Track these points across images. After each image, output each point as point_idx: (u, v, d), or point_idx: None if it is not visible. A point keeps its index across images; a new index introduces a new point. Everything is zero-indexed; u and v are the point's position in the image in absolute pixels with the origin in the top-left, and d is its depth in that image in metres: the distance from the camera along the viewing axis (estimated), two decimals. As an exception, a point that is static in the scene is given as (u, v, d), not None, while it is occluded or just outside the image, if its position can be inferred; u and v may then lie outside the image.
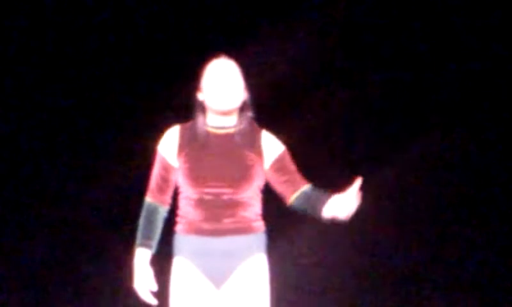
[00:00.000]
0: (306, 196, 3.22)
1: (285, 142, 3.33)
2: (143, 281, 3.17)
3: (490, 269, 5.52)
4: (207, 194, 3.12)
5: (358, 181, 3.03)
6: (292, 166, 3.26)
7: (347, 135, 5.57)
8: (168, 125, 3.28)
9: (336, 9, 5.50)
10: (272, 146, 3.23)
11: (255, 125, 3.25)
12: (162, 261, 3.30)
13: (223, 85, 3.14)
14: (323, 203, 3.16)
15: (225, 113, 3.17)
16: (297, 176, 3.25)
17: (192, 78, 3.27)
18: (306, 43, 5.51)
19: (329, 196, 3.17)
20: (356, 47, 5.57)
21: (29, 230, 5.55)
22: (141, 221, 3.25)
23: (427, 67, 5.56)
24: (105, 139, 5.55)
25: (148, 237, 3.21)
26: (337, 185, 5.50)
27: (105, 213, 5.52)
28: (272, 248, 3.31)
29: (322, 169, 5.42)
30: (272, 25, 5.41)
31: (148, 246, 3.20)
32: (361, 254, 5.54)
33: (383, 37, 5.55)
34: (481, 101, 5.54)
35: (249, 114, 3.22)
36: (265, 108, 3.37)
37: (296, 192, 3.23)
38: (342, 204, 3.08)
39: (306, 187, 3.23)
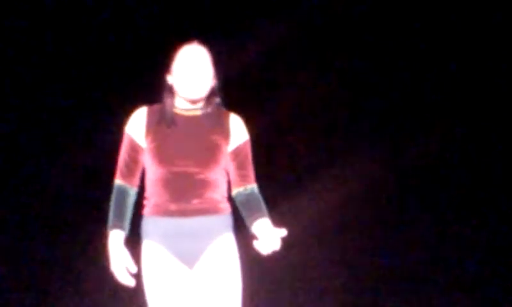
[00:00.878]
0: (244, 199, 3.22)
1: (286, 141, 3.33)
2: (120, 262, 3.15)
3: (490, 269, 5.52)
4: (174, 173, 3.10)
5: (283, 232, 3.05)
6: (248, 159, 3.24)
7: (347, 135, 5.57)
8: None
9: (337, 8, 5.50)
10: (239, 131, 3.22)
11: (222, 108, 3.24)
12: (132, 246, 3.27)
13: (192, 74, 3.14)
14: (253, 218, 3.17)
15: (193, 101, 3.18)
16: (248, 172, 3.23)
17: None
18: (306, 43, 5.52)
19: (260, 215, 3.17)
20: (356, 47, 5.58)
21: (29, 230, 5.55)
22: (112, 204, 3.23)
23: (427, 67, 5.56)
24: (105, 138, 5.55)
25: (119, 219, 3.19)
26: (337, 185, 5.54)
27: (105, 212, 5.52)
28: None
29: (322, 169, 5.44)
30: (272, 24, 5.42)
31: (120, 227, 3.17)
32: (361, 254, 5.54)
33: (383, 37, 5.55)
34: (481, 101, 5.55)
35: (217, 99, 3.22)
36: (266, 108, 3.38)
37: (239, 187, 3.22)
38: (264, 240, 3.07)
39: (249, 188, 3.22)
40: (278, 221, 4.23)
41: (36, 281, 5.50)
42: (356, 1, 5.57)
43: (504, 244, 5.53)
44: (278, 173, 5.46)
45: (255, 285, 3.33)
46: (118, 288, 5.57)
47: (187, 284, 3.14)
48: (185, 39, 3.27)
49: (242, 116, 3.28)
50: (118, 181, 3.26)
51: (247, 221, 3.19)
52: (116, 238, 3.17)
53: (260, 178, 3.28)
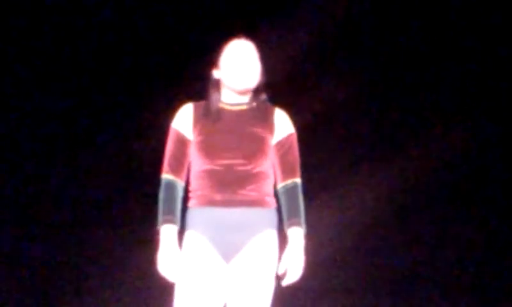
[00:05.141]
0: (284, 193, 3.26)
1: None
2: (170, 258, 3.11)
3: (490, 269, 5.52)
4: (220, 165, 3.12)
5: (300, 267, 3.22)
6: (292, 152, 3.28)
7: (347, 134, 5.57)
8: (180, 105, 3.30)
9: (337, 8, 5.50)
10: (283, 125, 3.25)
11: (268, 103, 3.28)
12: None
13: (242, 64, 3.19)
14: (289, 223, 3.24)
15: (242, 92, 3.21)
16: (291, 166, 3.27)
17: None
18: (305, 42, 5.51)
19: (295, 222, 3.25)
20: (356, 47, 5.58)
21: (29, 230, 5.55)
22: (162, 199, 3.19)
23: (427, 67, 5.56)
24: (105, 139, 5.55)
25: (171, 213, 3.15)
26: (337, 184, 5.54)
27: (105, 213, 5.53)
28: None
29: (322, 168, 5.44)
30: (271, 24, 5.42)
31: (173, 222, 3.14)
32: (361, 254, 5.54)
33: (383, 37, 5.55)
34: (481, 101, 5.55)
35: (264, 96, 3.26)
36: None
37: (281, 182, 3.26)
38: (285, 269, 3.18)
39: (290, 182, 3.26)
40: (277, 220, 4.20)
41: (36, 281, 5.50)
42: (356, 1, 5.57)
43: (504, 244, 5.53)
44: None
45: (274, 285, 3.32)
46: (118, 288, 5.58)
47: (221, 279, 3.13)
48: (185, 41, 3.30)
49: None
50: (166, 175, 3.22)
51: (284, 220, 3.23)
52: (169, 233, 3.14)
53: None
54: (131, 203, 5.54)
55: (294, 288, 5.35)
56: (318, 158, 5.52)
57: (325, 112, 5.55)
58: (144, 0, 5.56)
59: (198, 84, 3.34)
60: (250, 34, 3.30)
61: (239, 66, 3.18)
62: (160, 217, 3.17)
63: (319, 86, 5.53)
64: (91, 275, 5.52)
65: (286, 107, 3.34)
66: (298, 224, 3.23)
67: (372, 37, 5.57)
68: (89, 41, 5.54)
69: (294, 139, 3.29)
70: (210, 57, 3.27)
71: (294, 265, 3.20)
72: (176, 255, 3.12)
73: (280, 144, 3.23)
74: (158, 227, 3.17)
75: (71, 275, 5.53)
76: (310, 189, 5.52)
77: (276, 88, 3.33)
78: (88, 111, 5.57)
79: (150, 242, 3.28)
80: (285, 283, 3.20)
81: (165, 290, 3.26)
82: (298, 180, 3.29)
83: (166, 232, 3.14)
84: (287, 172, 3.25)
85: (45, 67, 5.55)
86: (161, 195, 3.20)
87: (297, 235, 3.22)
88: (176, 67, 5.38)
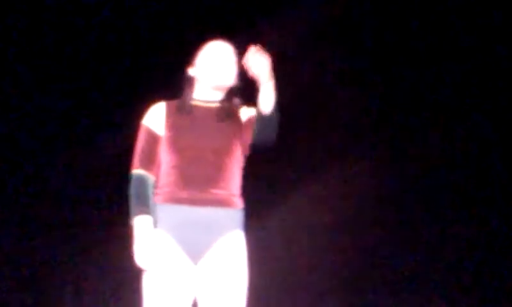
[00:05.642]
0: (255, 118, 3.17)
1: (286, 141, 3.33)
2: (147, 247, 3.08)
3: (490, 269, 5.52)
4: (189, 161, 3.11)
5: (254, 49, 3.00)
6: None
7: (347, 134, 5.57)
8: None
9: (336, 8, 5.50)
10: (248, 111, 3.24)
11: (240, 104, 3.27)
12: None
13: (220, 61, 3.21)
14: (258, 104, 3.10)
15: (218, 88, 3.22)
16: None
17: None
18: (305, 42, 5.52)
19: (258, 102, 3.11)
20: (356, 47, 5.58)
21: (29, 230, 5.55)
22: (134, 194, 3.16)
23: (427, 67, 5.56)
24: (105, 138, 5.55)
25: (144, 205, 3.13)
26: (337, 185, 5.54)
27: (105, 213, 5.53)
28: (270, 246, 3.31)
29: (321, 168, 5.44)
30: (271, 23, 5.42)
31: (146, 212, 3.12)
32: (361, 254, 5.54)
33: (383, 37, 5.56)
34: (481, 101, 5.55)
35: (237, 100, 3.26)
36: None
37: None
38: (252, 67, 3.01)
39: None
40: (278, 221, 4.22)
41: (36, 281, 5.50)
42: (356, 1, 5.58)
43: (504, 244, 5.53)
44: (278, 173, 5.46)
45: (255, 285, 3.31)
46: (118, 288, 5.58)
47: (189, 279, 3.12)
48: (185, 40, 3.31)
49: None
50: (137, 170, 3.20)
51: (260, 115, 3.10)
52: (144, 223, 3.10)
53: (260, 178, 3.29)
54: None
55: (294, 287, 5.36)
56: (318, 158, 5.53)
57: (325, 111, 5.56)
58: (145, 0, 5.56)
59: (172, 83, 3.35)
60: (232, 38, 3.31)
61: (216, 63, 3.21)
62: (134, 210, 3.13)
63: (316, 84, 5.53)
64: (91, 276, 5.53)
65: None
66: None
67: (367, 34, 5.58)
68: (89, 41, 5.54)
69: None
70: (187, 56, 3.29)
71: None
72: (153, 244, 3.10)
73: (245, 122, 3.20)
74: (131, 220, 3.13)
75: (71, 275, 5.53)
76: (310, 189, 5.55)
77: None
78: (88, 111, 5.58)
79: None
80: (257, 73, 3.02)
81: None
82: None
83: (142, 223, 3.10)
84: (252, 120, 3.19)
85: (45, 67, 5.55)
86: (133, 190, 3.16)
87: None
88: (176, 67, 5.37)
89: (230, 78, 3.23)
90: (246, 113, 3.25)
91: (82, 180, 5.58)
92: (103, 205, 5.54)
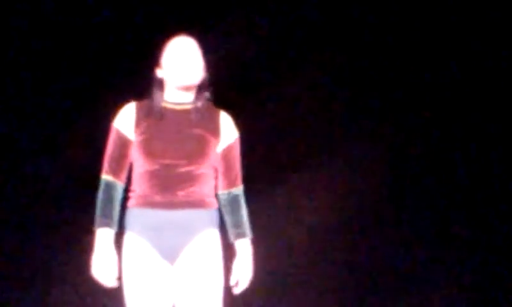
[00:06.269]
0: (227, 204, 3.26)
1: (286, 141, 3.33)
2: (105, 263, 3.11)
3: (490, 269, 5.51)
4: (161, 166, 3.09)
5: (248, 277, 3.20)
6: (236, 159, 3.26)
7: (347, 134, 5.56)
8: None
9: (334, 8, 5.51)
10: (229, 130, 3.24)
11: (212, 104, 3.26)
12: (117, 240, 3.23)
13: (184, 60, 3.17)
14: (235, 235, 3.25)
15: (186, 88, 3.18)
16: (235, 174, 3.25)
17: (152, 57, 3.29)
18: (305, 43, 5.52)
19: (241, 233, 3.24)
20: (356, 46, 5.58)
21: (29, 230, 5.54)
22: (100, 200, 3.19)
23: (427, 67, 5.56)
24: (105, 138, 5.54)
25: (109, 216, 3.15)
26: (337, 184, 5.53)
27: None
28: (270, 245, 3.31)
29: (321, 168, 5.44)
30: (271, 23, 5.42)
31: (109, 225, 3.14)
32: (362, 254, 5.54)
33: (383, 36, 5.55)
34: (481, 101, 5.54)
35: (207, 93, 3.24)
36: (266, 108, 3.38)
37: (224, 190, 3.26)
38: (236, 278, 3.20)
39: (233, 192, 3.26)
40: (277, 221, 4.22)
41: (36, 281, 5.49)
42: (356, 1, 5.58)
43: (504, 244, 5.53)
44: (278, 173, 5.46)
45: (255, 285, 3.32)
46: (118, 288, 5.57)
47: (167, 281, 3.12)
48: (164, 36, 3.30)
49: (241, 115, 3.28)
50: (105, 176, 3.21)
51: (228, 231, 3.23)
52: (105, 237, 3.13)
53: (260, 178, 3.28)
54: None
55: (294, 287, 5.35)
56: (318, 157, 5.53)
57: (324, 110, 5.56)
58: (145, 0, 5.56)
59: (141, 84, 3.34)
60: (203, 35, 3.27)
61: (180, 62, 3.16)
62: (97, 219, 3.17)
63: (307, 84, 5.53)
64: (91, 275, 5.51)
65: (241, 110, 3.33)
66: (244, 235, 3.23)
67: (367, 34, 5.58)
68: (90, 41, 5.54)
69: (239, 143, 3.27)
70: (153, 56, 3.27)
71: (244, 275, 3.20)
72: (111, 260, 3.10)
73: (226, 151, 3.21)
74: (94, 228, 3.13)
75: (71, 276, 5.52)
76: (310, 189, 5.54)
77: (229, 91, 3.33)
78: (88, 111, 5.57)
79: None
80: (237, 291, 3.20)
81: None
82: (241, 187, 3.28)
83: (102, 236, 3.14)
84: (231, 179, 3.24)
85: (45, 67, 5.55)
86: (100, 195, 3.19)
87: (243, 245, 3.22)
88: (157, 62, 5.37)
89: (196, 76, 3.18)
90: (226, 130, 3.21)
91: (82, 180, 5.57)
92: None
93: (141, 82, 5.50)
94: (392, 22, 5.54)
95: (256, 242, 3.31)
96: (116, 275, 3.12)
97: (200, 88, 3.23)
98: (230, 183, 3.23)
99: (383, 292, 5.50)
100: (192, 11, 5.46)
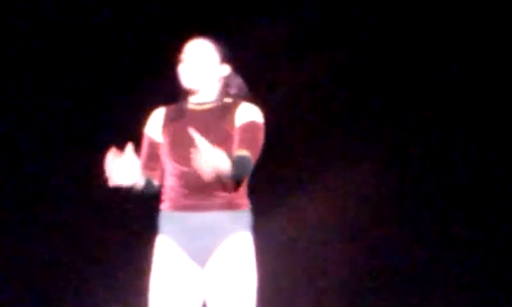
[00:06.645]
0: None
1: (286, 141, 3.32)
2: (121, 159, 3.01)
3: (490, 269, 5.51)
4: (188, 168, 3.03)
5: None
6: (246, 134, 3.12)
7: (347, 134, 5.56)
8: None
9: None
10: (245, 113, 3.18)
11: (238, 99, 3.23)
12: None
13: (185, 64, 3.19)
14: None
15: (193, 90, 3.20)
16: (241, 145, 3.09)
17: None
18: (305, 43, 5.52)
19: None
20: (356, 46, 5.58)
21: (29, 230, 5.55)
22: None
23: (427, 67, 5.56)
24: (105, 138, 5.54)
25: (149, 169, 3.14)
26: (337, 184, 5.54)
27: (105, 213, 5.52)
28: (270, 245, 3.29)
29: (321, 168, 5.44)
30: (271, 22, 5.42)
31: (143, 170, 3.09)
32: (361, 254, 5.54)
33: (383, 36, 5.55)
34: (481, 101, 5.54)
35: (231, 90, 3.24)
36: (266, 108, 3.37)
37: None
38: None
39: (237, 152, 3.08)
40: (277, 222, 4.21)
41: (36, 281, 5.49)
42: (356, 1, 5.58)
43: (504, 244, 5.53)
44: (278, 173, 5.46)
45: (256, 285, 3.31)
46: (118, 288, 5.57)
47: (196, 284, 3.11)
48: (180, 40, 3.31)
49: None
50: None
51: None
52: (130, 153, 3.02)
53: (260, 177, 3.27)
54: (131, 203, 5.53)
55: (294, 287, 5.35)
56: (317, 157, 5.52)
57: (325, 109, 5.55)
58: (145, 0, 5.56)
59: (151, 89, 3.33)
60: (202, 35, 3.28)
61: (182, 66, 3.20)
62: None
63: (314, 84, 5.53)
64: (91, 275, 5.52)
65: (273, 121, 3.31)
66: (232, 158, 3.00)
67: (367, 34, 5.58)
68: (90, 41, 5.54)
69: (254, 125, 3.15)
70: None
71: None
72: (129, 160, 3.00)
73: (237, 130, 3.13)
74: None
75: (71, 276, 5.52)
76: (310, 189, 5.54)
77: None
78: (88, 111, 5.57)
79: (149, 242, 3.28)
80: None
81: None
82: (245, 152, 3.07)
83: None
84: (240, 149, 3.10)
85: (45, 67, 5.55)
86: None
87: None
88: (176, 67, 5.37)
89: (199, 80, 3.19)
90: (240, 115, 3.18)
91: (82, 180, 5.57)
92: (103, 205, 5.54)
93: (141, 81, 5.53)
94: (392, 22, 5.54)
95: (256, 242, 3.30)
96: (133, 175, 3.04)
97: (223, 87, 3.23)
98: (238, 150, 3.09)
99: (383, 292, 5.50)
100: (191, 12, 5.47)
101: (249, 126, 3.14)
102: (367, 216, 5.53)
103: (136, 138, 5.54)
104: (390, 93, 5.57)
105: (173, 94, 3.34)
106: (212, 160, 2.82)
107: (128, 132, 5.50)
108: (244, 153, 3.05)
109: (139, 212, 5.55)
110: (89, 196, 5.55)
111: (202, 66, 3.19)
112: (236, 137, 3.13)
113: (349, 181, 5.53)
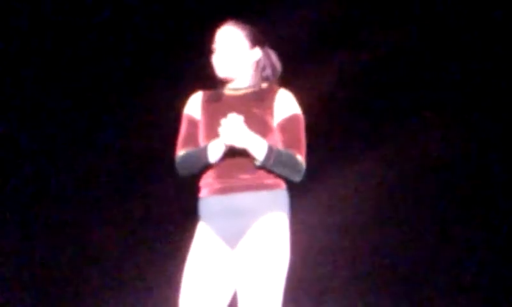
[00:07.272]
0: None
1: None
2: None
3: (490, 269, 5.51)
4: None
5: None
6: (294, 134, 3.19)
7: (347, 134, 5.57)
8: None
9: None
10: (284, 106, 3.20)
11: (274, 84, 3.27)
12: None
13: (215, 55, 3.22)
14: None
15: (223, 80, 3.23)
16: (295, 145, 3.16)
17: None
18: (306, 40, 5.52)
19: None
20: (356, 46, 5.58)
21: (29, 230, 5.55)
22: (188, 159, 3.15)
23: (428, 67, 5.56)
24: (105, 138, 5.55)
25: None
26: (337, 185, 5.54)
27: (105, 213, 5.53)
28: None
29: (321, 168, 5.44)
30: (270, 22, 5.41)
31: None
32: (361, 254, 5.54)
33: (383, 36, 5.55)
34: (481, 101, 5.54)
35: (265, 73, 3.26)
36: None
37: None
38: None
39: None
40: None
41: (36, 281, 5.49)
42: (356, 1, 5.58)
43: (504, 244, 5.53)
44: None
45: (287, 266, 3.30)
46: (118, 288, 5.57)
47: (227, 267, 3.11)
48: (184, 40, 3.32)
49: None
50: (180, 152, 3.20)
51: None
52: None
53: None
54: (131, 203, 5.54)
55: (294, 287, 5.34)
56: (318, 158, 5.52)
57: (325, 109, 5.55)
58: (145, 0, 5.56)
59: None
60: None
61: (214, 57, 3.23)
62: (201, 153, 3.10)
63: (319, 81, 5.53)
64: (91, 275, 5.52)
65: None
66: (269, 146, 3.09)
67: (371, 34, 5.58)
68: (90, 41, 5.54)
69: (296, 120, 3.22)
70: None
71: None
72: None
73: (280, 126, 3.17)
74: (208, 159, 3.09)
75: (71, 276, 5.52)
76: (310, 188, 5.54)
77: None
78: (88, 111, 5.57)
79: (149, 242, 3.28)
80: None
81: (166, 290, 3.26)
82: (299, 156, 3.16)
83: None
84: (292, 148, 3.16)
85: (45, 67, 5.55)
86: (186, 161, 3.15)
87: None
88: (176, 66, 5.38)
89: (228, 69, 3.22)
90: (280, 106, 3.20)
91: (82, 180, 5.58)
92: (103, 205, 5.54)
93: (141, 81, 5.54)
94: (391, 22, 5.55)
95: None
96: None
97: (256, 71, 3.24)
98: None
99: (383, 292, 5.50)
100: (191, 12, 5.47)
101: (292, 122, 3.20)
102: (367, 216, 5.53)
103: (136, 138, 5.58)
104: (390, 93, 5.57)
105: (173, 94, 3.34)
106: (238, 130, 2.96)
107: (128, 132, 5.55)
108: (298, 158, 3.14)
109: (139, 212, 5.57)
110: (89, 196, 5.56)
111: (233, 55, 3.21)
112: (279, 132, 3.16)
113: (349, 181, 5.53)
